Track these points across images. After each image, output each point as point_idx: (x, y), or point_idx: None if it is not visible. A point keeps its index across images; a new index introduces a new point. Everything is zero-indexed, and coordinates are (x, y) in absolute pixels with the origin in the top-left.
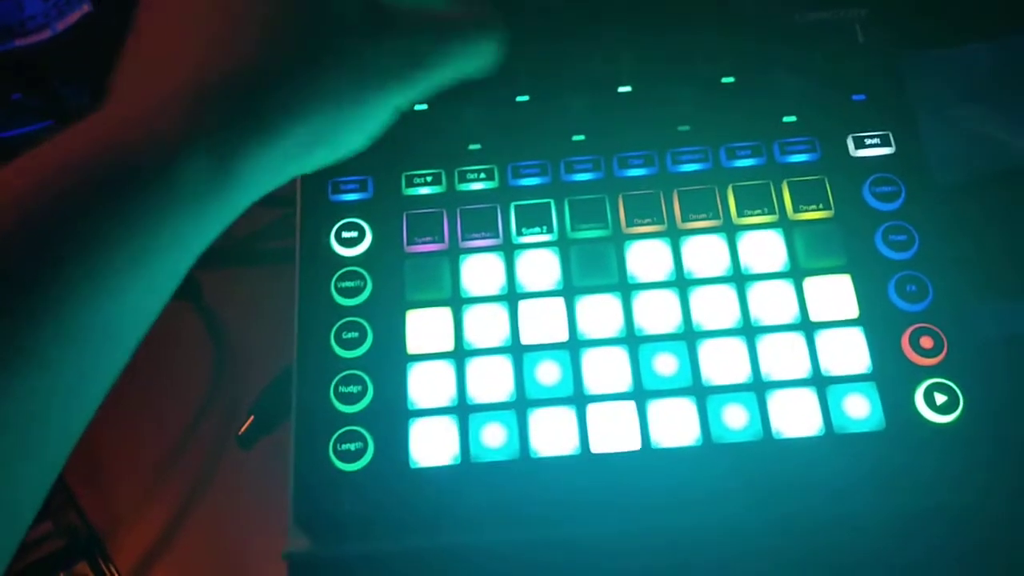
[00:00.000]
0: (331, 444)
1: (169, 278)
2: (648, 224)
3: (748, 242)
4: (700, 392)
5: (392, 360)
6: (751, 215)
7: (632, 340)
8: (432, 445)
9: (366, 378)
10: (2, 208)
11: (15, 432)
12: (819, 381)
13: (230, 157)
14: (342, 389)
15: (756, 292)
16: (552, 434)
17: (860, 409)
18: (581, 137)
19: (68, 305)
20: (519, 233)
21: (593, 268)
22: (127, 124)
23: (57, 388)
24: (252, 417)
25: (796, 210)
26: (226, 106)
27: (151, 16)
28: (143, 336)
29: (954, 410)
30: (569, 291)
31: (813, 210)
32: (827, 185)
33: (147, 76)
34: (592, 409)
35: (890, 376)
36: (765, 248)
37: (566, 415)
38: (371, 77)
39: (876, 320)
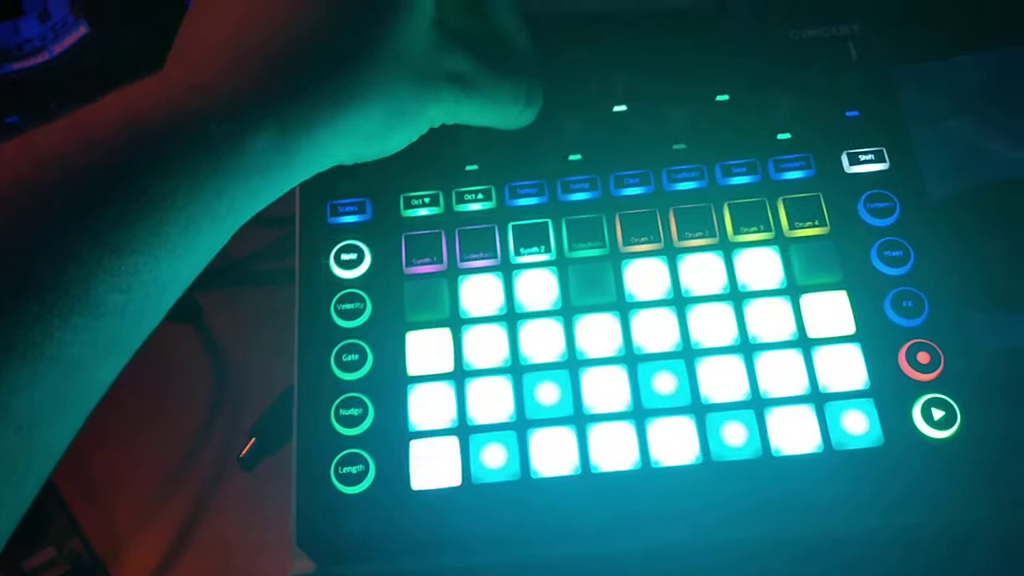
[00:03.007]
0: (332, 467)
1: (212, 246)
2: (645, 243)
3: (744, 259)
4: (699, 410)
5: (392, 382)
6: (747, 232)
7: (631, 359)
8: (433, 467)
9: (367, 400)
10: (71, 163)
11: (75, 370)
12: (817, 398)
13: (294, 136)
14: (343, 412)
15: (753, 309)
16: (553, 454)
17: (858, 425)
18: (577, 157)
19: (127, 259)
20: (517, 253)
21: (591, 287)
22: (196, 91)
23: (112, 336)
24: (254, 439)
25: (792, 227)
26: (299, 83)
27: None
28: (176, 300)
29: (952, 425)
30: (568, 310)
31: (809, 227)
32: (822, 202)
33: (214, 43)
34: (592, 428)
35: (888, 392)
36: (761, 265)
37: (566, 435)
38: (429, 87)
39: (873, 336)
